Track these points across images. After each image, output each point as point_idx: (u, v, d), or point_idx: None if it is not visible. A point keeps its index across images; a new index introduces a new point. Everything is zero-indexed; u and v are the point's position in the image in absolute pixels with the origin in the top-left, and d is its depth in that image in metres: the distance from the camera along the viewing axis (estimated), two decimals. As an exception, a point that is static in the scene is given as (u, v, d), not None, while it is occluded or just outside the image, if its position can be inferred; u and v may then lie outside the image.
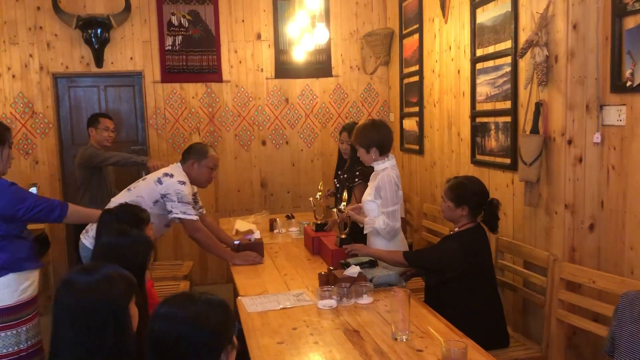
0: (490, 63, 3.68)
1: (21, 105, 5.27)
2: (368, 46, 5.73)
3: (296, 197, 5.84)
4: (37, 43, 5.25)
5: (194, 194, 3.64)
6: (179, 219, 3.31)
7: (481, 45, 3.80)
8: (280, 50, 5.67)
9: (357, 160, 4.06)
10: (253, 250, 3.41)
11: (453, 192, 2.87)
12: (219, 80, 5.60)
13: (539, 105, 2.92)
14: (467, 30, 3.98)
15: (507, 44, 3.45)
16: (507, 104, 3.49)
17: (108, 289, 1.59)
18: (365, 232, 3.23)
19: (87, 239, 3.27)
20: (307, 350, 2.12)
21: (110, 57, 5.38)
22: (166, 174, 3.38)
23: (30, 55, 5.26)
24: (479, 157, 3.91)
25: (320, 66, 5.75)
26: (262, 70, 5.68)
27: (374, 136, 3.28)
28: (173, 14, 5.45)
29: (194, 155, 3.47)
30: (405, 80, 5.33)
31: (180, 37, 5.48)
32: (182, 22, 5.47)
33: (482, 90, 3.81)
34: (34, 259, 2.75)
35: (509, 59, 3.45)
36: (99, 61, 5.32)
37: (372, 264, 2.93)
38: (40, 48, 5.26)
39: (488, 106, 3.75)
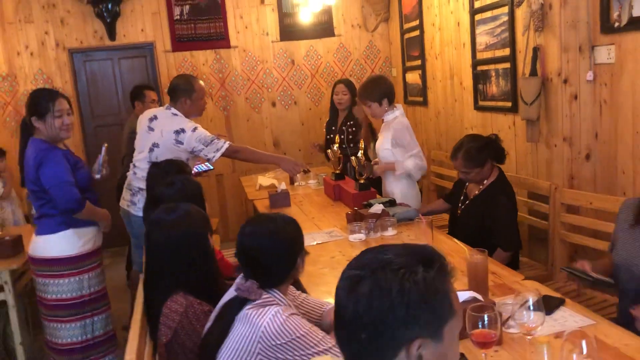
0: (489, 14, 3.94)
1: (41, 81, 5.52)
2: (368, 4, 5.95)
3: (307, 154, 6.13)
4: (52, 20, 5.46)
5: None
6: (219, 156, 3.52)
7: (479, -3, 4.05)
8: (283, 13, 5.89)
9: (356, 110, 4.38)
10: (281, 199, 3.74)
11: (471, 160, 2.98)
12: (227, 46, 5.83)
13: (536, 49, 3.20)
14: (465, -17, 4.21)
15: (505, -6, 3.70)
16: (506, 51, 3.76)
17: (190, 223, 1.92)
18: (397, 173, 3.50)
19: (137, 210, 3.55)
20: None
21: (122, 30, 5.60)
22: (177, 132, 3.44)
23: (46, 33, 5.48)
24: (481, 103, 4.20)
25: (323, 26, 5.97)
26: (267, 34, 5.91)
27: (383, 87, 3.58)
28: (179, -16, 5.64)
29: (183, 92, 3.53)
30: (406, 36, 5.57)
31: (187, 7, 5.69)
32: (189, -9, 5.67)
33: (482, 40, 4.07)
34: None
35: (506, 9, 3.71)
36: (111, 34, 5.54)
37: (392, 203, 3.26)
38: (55, 25, 5.48)
39: (488, 55, 4.02)
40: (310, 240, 2.93)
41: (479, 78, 4.18)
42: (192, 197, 2.37)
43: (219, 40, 5.80)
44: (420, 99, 5.33)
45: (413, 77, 5.49)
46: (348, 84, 4.60)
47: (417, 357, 0.94)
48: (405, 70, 5.68)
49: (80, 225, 2.93)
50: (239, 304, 1.54)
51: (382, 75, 3.83)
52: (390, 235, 2.90)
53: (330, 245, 2.87)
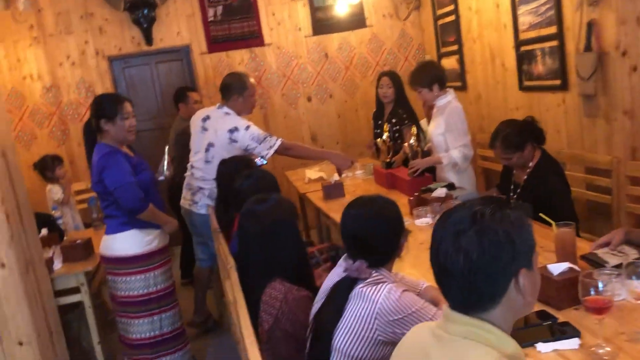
0: (531, -8, 3.93)
1: (83, 90, 5.63)
2: (398, -7, 5.96)
3: (345, 147, 6.17)
4: (90, 29, 5.58)
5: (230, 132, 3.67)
6: (272, 153, 3.61)
7: (520, -23, 4.04)
8: (315, 7, 5.93)
9: (400, 103, 4.36)
10: (335, 190, 3.79)
11: (509, 145, 2.93)
12: (261, 44, 5.89)
13: (590, 24, 3.20)
14: (504, -36, 4.21)
15: (548, -28, 3.70)
16: (552, 29, 3.76)
17: (281, 211, 1.98)
18: (444, 164, 3.52)
19: (199, 208, 3.63)
20: (421, 254, 2.49)
21: (159, 34, 5.69)
22: (231, 130, 3.51)
23: (86, 42, 5.59)
24: (526, 83, 4.20)
25: (354, 18, 6.00)
26: (300, 29, 5.95)
27: (433, 72, 3.59)
28: (211, -14, 5.71)
29: (235, 90, 3.61)
30: (440, 22, 5.58)
31: (220, 7, 5.76)
32: (221, -8, 5.74)
33: (525, 19, 4.07)
34: None
35: (551, -14, 3.70)
36: (148, 39, 5.64)
37: (451, 186, 3.29)
38: (94, 34, 5.59)
39: (532, 34, 4.02)
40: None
41: (523, 58, 4.18)
42: (269, 187, 2.43)
43: (253, 38, 5.86)
44: (459, 83, 5.33)
45: (449, 63, 5.49)
46: (392, 76, 4.45)
47: (522, 286, 1.06)
48: (441, 56, 5.68)
49: (144, 226, 3.00)
50: (349, 283, 1.59)
51: (432, 60, 3.86)
52: (457, 217, 2.92)
53: (398, 230, 2.91)
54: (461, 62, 5.25)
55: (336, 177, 3.92)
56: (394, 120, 4.40)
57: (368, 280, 1.58)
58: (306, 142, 6.10)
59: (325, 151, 4.24)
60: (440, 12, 5.53)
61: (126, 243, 2.96)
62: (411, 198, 3.15)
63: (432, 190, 3.21)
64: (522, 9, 4.08)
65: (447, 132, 3.52)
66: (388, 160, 4.05)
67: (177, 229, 3.24)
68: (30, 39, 5.48)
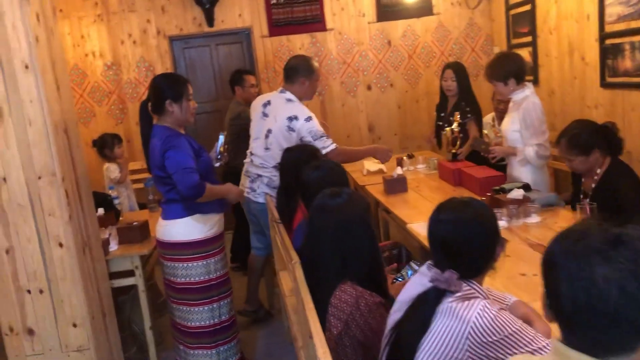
0: (623, -19, 3.62)
1: (143, 69, 5.61)
2: (469, -20, 5.67)
3: (404, 139, 5.98)
4: (153, 8, 5.53)
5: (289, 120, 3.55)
6: (322, 155, 3.45)
7: (610, -35, 3.73)
8: (380, -7, 5.72)
9: (463, 97, 4.18)
10: (398, 185, 3.62)
11: (575, 146, 2.78)
12: (323, 29, 5.72)
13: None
14: (592, -50, 3.90)
15: (645, -40, 3.39)
16: (646, 22, 3.45)
17: (355, 207, 1.82)
18: (517, 159, 3.32)
19: (257, 196, 3.53)
20: (505, 262, 2.30)
21: (221, 16, 5.60)
22: (290, 118, 3.39)
23: (148, 21, 5.55)
24: (610, 79, 3.89)
25: (421, 5, 5.75)
26: (364, 15, 5.75)
27: (510, 66, 3.36)
28: (276, -32, 5.57)
29: (303, 73, 3.46)
30: (512, 12, 5.28)
31: (283, -10, 5.62)
32: (285, -26, 5.59)
33: (612, 11, 3.76)
34: (217, 204, 3.03)
35: (647, -25, 3.39)
36: (210, 21, 5.55)
37: (527, 188, 3.06)
38: (156, 13, 5.54)
39: (620, 26, 3.71)
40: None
41: (608, 52, 3.87)
42: (339, 181, 2.28)
43: (315, 23, 5.70)
44: (531, 77, 5.01)
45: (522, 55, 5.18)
46: (457, 69, 4.25)
47: None
48: (511, 47, 5.38)
49: (205, 211, 2.91)
50: (436, 296, 1.42)
51: (511, 52, 3.65)
52: (535, 222, 2.71)
53: (469, 232, 2.71)
54: (534, 54, 4.95)
55: (399, 170, 3.74)
56: (456, 114, 4.22)
57: (458, 294, 1.40)
58: (363, 132, 5.93)
59: (367, 148, 4.13)
60: (513, 1, 5.23)
61: (187, 228, 2.86)
62: (483, 198, 2.94)
63: (505, 191, 3.00)
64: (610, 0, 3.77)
65: (523, 128, 3.31)
66: (454, 151, 3.86)
67: (241, 195, 3.16)
68: (94, 16, 5.48)
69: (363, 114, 5.92)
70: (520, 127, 3.31)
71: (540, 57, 4.86)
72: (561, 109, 4.61)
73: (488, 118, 4.54)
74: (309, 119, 3.40)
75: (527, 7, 4.94)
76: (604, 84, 3.95)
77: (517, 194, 2.82)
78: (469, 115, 4.19)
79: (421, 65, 5.88)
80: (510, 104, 3.47)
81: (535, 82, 4.97)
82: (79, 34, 5.50)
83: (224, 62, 5.80)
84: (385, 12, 5.76)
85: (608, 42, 3.86)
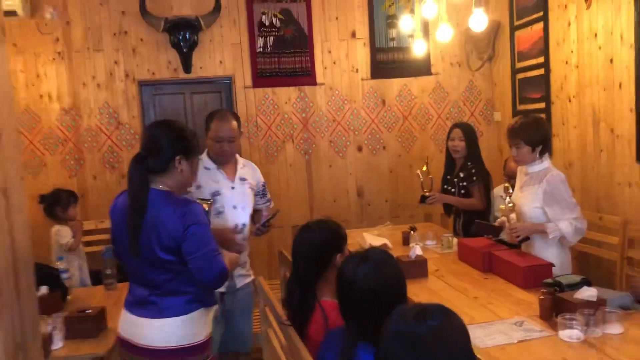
0: (670, 47, 3.23)
1: (106, 116, 4.91)
2: (471, 41, 5.30)
3: (395, 206, 5.41)
4: (123, 49, 4.90)
5: (263, 184, 3.22)
6: None
7: (652, 28, 3.35)
8: (376, 48, 5.27)
9: (471, 158, 3.88)
10: (417, 268, 2.99)
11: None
12: (313, 83, 5.20)
13: None
14: (628, 13, 3.53)
15: (702, 24, 3.00)
16: (701, 92, 3.04)
17: (456, 337, 1.19)
18: (550, 237, 2.84)
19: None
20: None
21: (199, 62, 5.01)
22: None
23: (115, 62, 4.90)
24: (649, 154, 3.45)
25: (419, 64, 5.32)
26: (357, 70, 5.27)
27: (543, 131, 3.04)
28: (264, 14, 5.07)
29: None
30: (520, 75, 4.89)
31: (271, 38, 5.10)
32: (274, 21, 5.09)
33: (655, 79, 3.35)
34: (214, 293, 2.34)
35: (703, 41, 3.00)
36: (187, 66, 4.95)
37: (587, 283, 2.49)
38: (126, 54, 4.91)
39: (666, 96, 3.29)
40: (503, 336, 2.16)
41: (647, 125, 3.44)
42: (393, 276, 1.68)
43: (304, 76, 5.18)
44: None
45: (531, 123, 4.76)
46: (466, 129, 3.97)
47: None
48: (517, 114, 4.96)
49: (209, 303, 2.21)
50: None
51: (541, 118, 3.29)
52: (618, 333, 2.11)
53: (534, 344, 2.09)
54: (548, 123, 4.52)
55: (417, 250, 3.11)
56: (461, 175, 3.88)
57: None
58: (351, 196, 5.35)
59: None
60: (521, 64, 4.85)
61: (193, 328, 2.13)
62: (542, 297, 2.34)
63: (562, 286, 2.41)
64: (651, 66, 3.37)
65: (549, 205, 2.88)
66: (424, 193, 3.83)
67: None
68: (53, 54, 4.79)
69: (352, 177, 5.35)
70: (544, 204, 2.88)
71: (555, 125, 4.43)
72: (582, 184, 4.14)
73: (499, 190, 4.04)
74: None
75: (540, 72, 4.55)
76: (642, 160, 3.50)
77: (590, 294, 2.23)
78: (474, 178, 3.82)
79: (416, 128, 5.39)
80: (525, 178, 3.05)
81: (549, 152, 4.52)
82: (34, 73, 4.78)
83: (199, 112, 5.15)
84: (381, 70, 5.29)
85: (647, 113, 3.44)
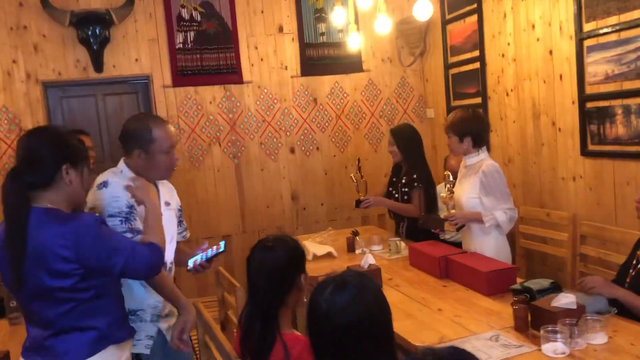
0: (613, 37, 3.16)
1: (5, 122, 4.32)
2: (402, 36, 5.14)
3: (331, 210, 5.16)
4: (22, 46, 4.33)
5: (179, 211, 2.49)
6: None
7: (593, 18, 3.28)
8: (305, 44, 4.98)
9: (410, 163, 3.74)
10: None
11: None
12: (239, 81, 4.84)
13: None
14: (566, 3, 3.46)
15: (645, 12, 2.94)
16: (647, 82, 2.98)
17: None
18: (487, 225, 2.94)
19: None
20: None
21: (112, 60, 4.52)
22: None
23: (14, 61, 4.32)
24: (594, 147, 3.38)
25: (350, 60, 5.10)
26: (286, 67, 4.97)
27: (471, 123, 3.09)
28: (183, 7, 4.65)
29: (135, 143, 2.17)
30: (454, 70, 4.77)
31: (192, 33, 4.69)
32: (194, 15, 4.68)
33: (598, 70, 3.28)
34: (128, 324, 1.96)
35: (647, 29, 2.94)
36: (98, 65, 4.45)
37: (557, 287, 2.32)
38: (26, 52, 4.34)
39: (609, 87, 3.23)
40: (481, 356, 1.93)
41: (591, 117, 3.37)
42: (374, 303, 1.37)
43: (230, 74, 4.81)
44: (480, 143, 4.47)
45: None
46: (397, 133, 3.80)
47: None
48: (452, 110, 4.83)
49: (121, 338, 1.85)
50: None
51: (478, 112, 3.45)
52: (602, 343, 1.94)
53: (518, 362, 1.88)
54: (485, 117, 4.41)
55: (370, 259, 2.84)
56: (404, 180, 3.73)
57: None
58: (285, 201, 5.03)
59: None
60: (455, 59, 4.73)
61: None
62: (516, 307, 2.14)
63: (533, 293, 2.23)
64: (594, 57, 3.30)
65: (485, 195, 2.99)
66: (359, 198, 3.70)
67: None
68: (-63, 51, 4.15)
69: (285, 180, 5.03)
70: (481, 193, 2.99)
71: (494, 120, 4.33)
72: (523, 179, 4.06)
73: (441, 188, 3.89)
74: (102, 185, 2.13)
75: (475, 66, 4.44)
76: (587, 153, 3.43)
77: (568, 300, 2.04)
78: (414, 185, 3.67)
79: (350, 127, 5.16)
80: (464, 170, 3.18)
81: (487, 149, 4.41)
82: None
83: (113, 116, 4.66)
84: (311, 66, 5.02)
85: (591, 104, 3.37)
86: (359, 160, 3.90)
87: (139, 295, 2.14)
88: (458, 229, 3.07)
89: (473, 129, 3.08)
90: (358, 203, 3.72)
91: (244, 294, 2.37)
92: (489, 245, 2.98)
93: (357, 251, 3.49)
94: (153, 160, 2.18)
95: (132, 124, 2.22)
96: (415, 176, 3.67)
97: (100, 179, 2.15)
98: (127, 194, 2.01)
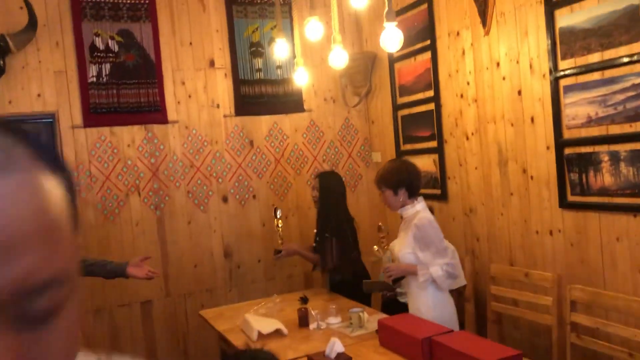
0: (596, 76, 2.84)
1: None
2: (346, 74, 4.71)
3: (269, 266, 4.53)
4: None
5: None
6: None
7: (571, 55, 2.96)
8: (240, 80, 4.43)
9: (323, 211, 3.62)
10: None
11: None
12: (163, 120, 4.19)
13: None
14: (537, 38, 3.13)
15: (634, 48, 2.63)
16: (637, 126, 2.65)
17: None
18: (420, 280, 2.87)
19: None
20: None
21: (8, 95, 3.76)
22: None
23: None
24: (575, 198, 3.02)
25: (290, 99, 4.59)
26: (218, 106, 4.38)
27: (404, 174, 3.03)
28: (97, 35, 3.99)
29: None
30: (403, 112, 4.38)
31: (108, 65, 4.02)
32: (111, 45, 4.03)
33: (578, 112, 2.95)
34: None
35: (638, 67, 2.63)
36: (-11, 100, 3.68)
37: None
38: None
39: (593, 132, 2.89)
40: None
41: (572, 164, 3.02)
42: None
43: (152, 112, 4.15)
44: (437, 191, 4.06)
45: (422, 163, 4.23)
46: (323, 178, 3.75)
47: None
48: (401, 154, 4.42)
49: None
50: None
51: (407, 161, 3.30)
52: None
53: None
54: (441, 164, 4.01)
55: (338, 345, 2.25)
56: (315, 231, 3.76)
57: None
58: (217, 258, 4.37)
59: None
60: (404, 99, 4.34)
61: None
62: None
63: None
64: (573, 97, 2.96)
65: (420, 250, 2.92)
66: (278, 247, 3.66)
67: None
68: None
69: (217, 234, 4.38)
70: (415, 248, 2.93)
71: (449, 166, 3.93)
72: (486, 231, 3.65)
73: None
74: None
75: (429, 107, 4.06)
76: (567, 204, 3.06)
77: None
78: (326, 235, 3.54)
79: (291, 172, 4.61)
80: (401, 222, 3.10)
81: (444, 197, 4.01)
82: None
83: (10, 161, 3.86)
84: (246, 105, 4.46)
85: (570, 150, 3.01)
86: (274, 207, 3.85)
87: None
88: (394, 282, 2.98)
89: (406, 179, 3.03)
90: (276, 252, 3.67)
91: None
92: (427, 302, 2.90)
93: (312, 326, 2.90)
94: None
95: None
96: (325, 226, 3.59)
97: None
98: None
